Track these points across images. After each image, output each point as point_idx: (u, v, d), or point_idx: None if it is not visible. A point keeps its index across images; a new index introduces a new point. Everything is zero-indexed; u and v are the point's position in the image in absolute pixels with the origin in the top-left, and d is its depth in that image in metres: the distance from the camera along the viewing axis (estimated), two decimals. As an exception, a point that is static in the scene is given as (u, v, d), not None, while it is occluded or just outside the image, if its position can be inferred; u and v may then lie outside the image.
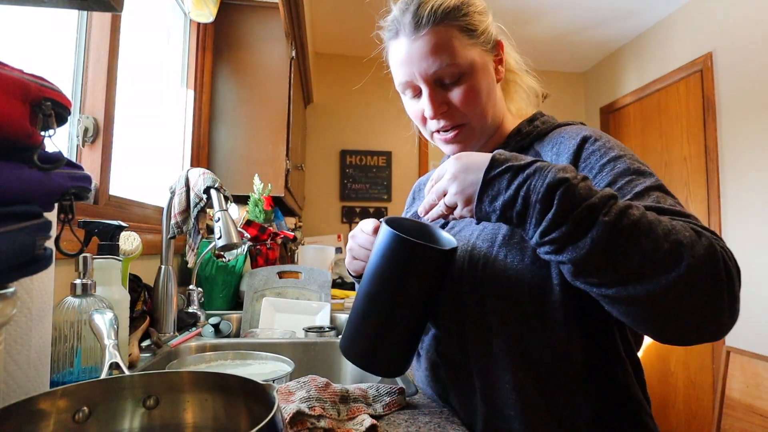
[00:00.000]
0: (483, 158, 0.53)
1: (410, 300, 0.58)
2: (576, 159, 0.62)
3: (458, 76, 0.66)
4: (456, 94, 0.67)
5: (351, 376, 1.07)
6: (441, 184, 0.56)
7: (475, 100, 0.68)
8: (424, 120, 0.71)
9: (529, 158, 0.51)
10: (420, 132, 0.78)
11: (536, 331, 0.60)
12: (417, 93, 0.70)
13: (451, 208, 0.56)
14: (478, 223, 0.63)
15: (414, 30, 0.65)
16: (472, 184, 0.52)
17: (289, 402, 0.57)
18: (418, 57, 0.65)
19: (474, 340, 0.64)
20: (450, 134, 0.70)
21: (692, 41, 2.66)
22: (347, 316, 1.47)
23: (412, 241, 0.55)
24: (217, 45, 2.00)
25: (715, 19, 2.51)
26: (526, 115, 0.77)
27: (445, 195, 0.55)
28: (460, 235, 0.71)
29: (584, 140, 0.63)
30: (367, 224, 0.67)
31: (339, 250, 2.83)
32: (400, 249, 0.56)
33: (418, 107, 0.71)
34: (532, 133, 0.71)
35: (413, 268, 0.57)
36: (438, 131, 0.71)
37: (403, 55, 0.67)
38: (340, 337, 1.21)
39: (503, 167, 0.51)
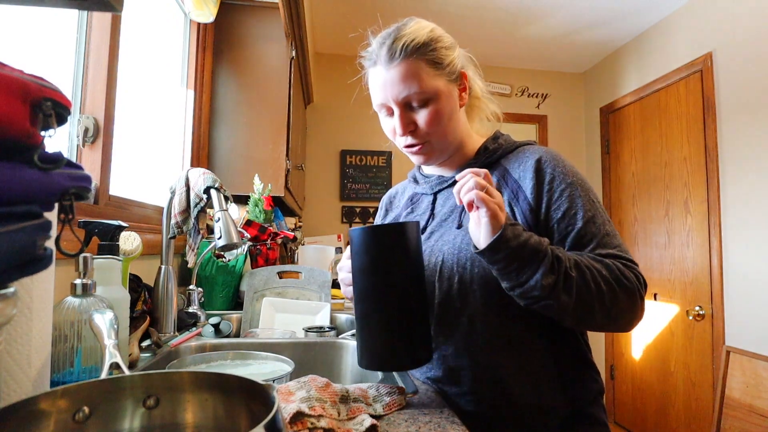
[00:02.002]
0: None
1: (395, 279, 0.65)
2: (538, 176, 0.77)
3: (424, 101, 0.78)
4: (422, 116, 0.79)
5: (351, 376, 1.07)
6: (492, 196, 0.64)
7: (438, 121, 0.79)
8: (395, 135, 0.83)
9: (532, 247, 0.65)
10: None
11: (515, 316, 0.75)
12: (390, 112, 0.81)
13: (478, 203, 0.63)
14: (458, 228, 0.80)
15: (388, 61, 0.77)
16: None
17: (289, 402, 0.57)
18: (391, 83, 0.77)
19: (480, 328, 0.76)
20: (415, 148, 0.82)
21: (692, 41, 2.66)
22: (347, 316, 1.48)
23: (371, 227, 0.66)
24: (217, 45, 2.00)
25: (715, 19, 2.51)
26: (486, 134, 0.91)
27: (485, 199, 0.63)
28: (443, 239, 0.82)
29: (540, 162, 0.78)
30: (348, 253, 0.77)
31: (339, 250, 2.83)
32: (365, 238, 0.66)
33: (390, 124, 0.82)
34: (498, 150, 0.85)
35: (382, 248, 0.65)
36: (405, 146, 0.83)
37: (380, 81, 0.79)
38: (341, 335, 1.21)
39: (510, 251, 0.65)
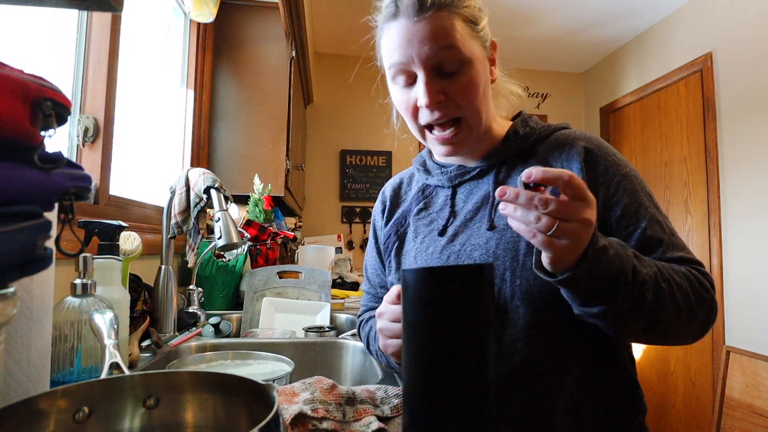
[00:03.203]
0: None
1: (475, 342, 0.46)
2: (589, 166, 0.66)
3: (458, 64, 0.63)
4: (454, 85, 0.64)
5: (352, 376, 1.07)
6: (574, 216, 0.47)
7: (473, 93, 0.65)
8: (415, 111, 0.67)
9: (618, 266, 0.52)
10: (407, 127, 0.74)
11: (565, 335, 0.63)
12: (411, 81, 0.66)
13: (546, 229, 0.47)
14: (490, 229, 0.66)
15: (417, 11, 0.61)
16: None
17: (292, 403, 0.57)
18: (419, 39, 0.62)
19: (504, 351, 0.62)
20: (447, 133, 0.66)
21: (692, 41, 2.66)
22: (347, 316, 1.48)
23: (437, 268, 0.46)
24: (217, 45, 2.00)
25: (715, 19, 2.51)
26: (504, 117, 0.78)
27: (551, 244, 0.48)
28: (471, 243, 0.68)
29: (588, 151, 0.67)
30: (392, 295, 0.60)
31: (339, 250, 2.83)
32: (429, 284, 0.46)
33: (410, 96, 0.66)
34: (531, 136, 0.71)
35: (461, 299, 0.46)
36: (431, 126, 0.68)
37: (402, 36, 0.63)
38: (341, 335, 1.20)
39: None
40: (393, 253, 0.79)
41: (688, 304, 0.58)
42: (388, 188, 0.88)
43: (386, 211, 0.84)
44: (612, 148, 0.70)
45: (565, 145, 0.68)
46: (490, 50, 0.70)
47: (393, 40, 0.64)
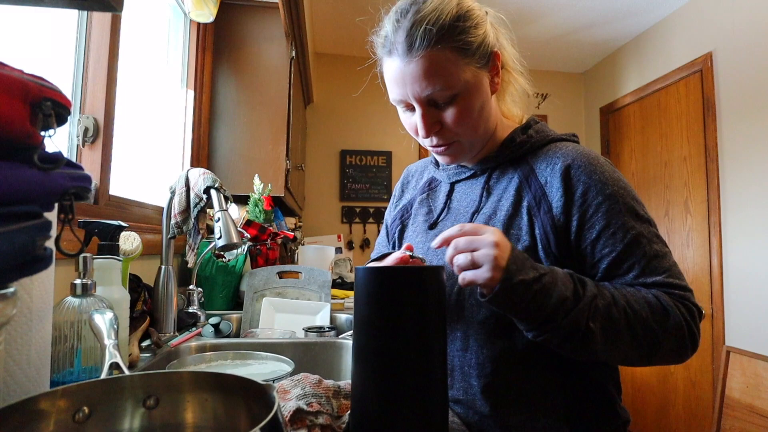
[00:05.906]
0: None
1: (404, 344, 0.49)
2: (568, 185, 0.66)
3: (451, 97, 0.66)
4: (448, 114, 0.68)
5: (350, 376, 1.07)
6: (480, 245, 0.56)
7: (467, 119, 0.68)
8: (417, 132, 0.72)
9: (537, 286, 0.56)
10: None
11: (515, 339, 0.66)
12: (410, 107, 0.70)
13: (472, 267, 0.56)
14: None
15: (407, 52, 0.64)
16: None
17: (286, 400, 0.57)
18: (411, 80, 0.65)
19: (475, 345, 0.68)
20: (441, 148, 0.73)
21: (692, 41, 2.66)
22: (347, 316, 1.48)
23: (377, 268, 0.51)
24: (217, 45, 2.00)
25: (715, 19, 2.51)
26: (515, 116, 0.80)
27: (474, 252, 0.56)
28: None
29: (571, 169, 0.67)
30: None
31: (339, 250, 2.83)
32: (368, 282, 0.50)
33: (411, 121, 0.71)
34: (525, 144, 0.73)
35: (391, 298, 0.50)
36: (430, 146, 0.74)
37: (397, 75, 0.67)
38: (341, 335, 1.20)
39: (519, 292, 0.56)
40: (396, 236, 0.87)
41: (649, 333, 0.60)
42: (403, 174, 0.96)
43: (399, 198, 0.93)
44: (604, 165, 0.68)
45: (554, 159, 0.69)
46: (489, 64, 0.70)
47: (390, 77, 0.68)
